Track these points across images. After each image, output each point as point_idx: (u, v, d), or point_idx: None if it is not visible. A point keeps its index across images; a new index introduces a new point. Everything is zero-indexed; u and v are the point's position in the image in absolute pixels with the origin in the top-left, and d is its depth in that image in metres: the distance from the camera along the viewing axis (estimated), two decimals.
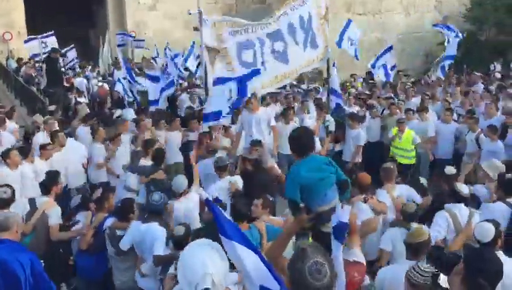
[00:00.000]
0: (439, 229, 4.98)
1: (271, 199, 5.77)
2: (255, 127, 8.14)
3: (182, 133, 9.60)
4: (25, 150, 7.64)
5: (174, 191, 6.05)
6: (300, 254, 2.58)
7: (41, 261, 4.41)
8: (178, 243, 4.84)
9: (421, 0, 23.82)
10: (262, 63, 8.34)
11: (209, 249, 3.16)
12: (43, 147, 7.88)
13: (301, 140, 4.01)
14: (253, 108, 8.27)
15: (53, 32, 19.45)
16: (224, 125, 9.28)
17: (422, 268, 3.39)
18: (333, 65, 9.45)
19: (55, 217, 5.86)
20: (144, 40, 21.89)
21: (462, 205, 5.19)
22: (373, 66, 14.36)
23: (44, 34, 19.26)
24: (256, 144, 7.35)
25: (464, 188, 5.31)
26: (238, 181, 6.47)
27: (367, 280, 4.46)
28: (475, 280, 2.76)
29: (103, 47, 20.44)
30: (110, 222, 5.63)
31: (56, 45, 19.11)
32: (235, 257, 2.97)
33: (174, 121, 9.80)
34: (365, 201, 5.50)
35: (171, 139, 9.52)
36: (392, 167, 6.38)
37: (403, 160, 9.06)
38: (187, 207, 6.01)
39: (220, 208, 3.19)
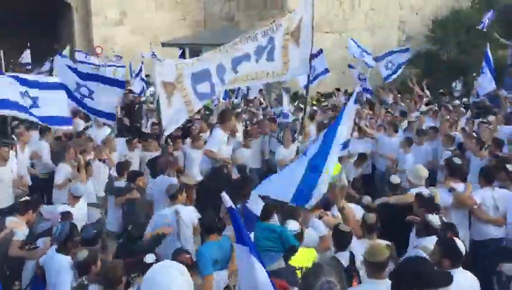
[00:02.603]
0: None
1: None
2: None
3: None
4: None
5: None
6: (316, 269, 2.55)
7: None
8: (82, 268, 4.59)
9: (385, 21, 24.42)
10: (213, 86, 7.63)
11: (175, 272, 3.11)
12: None
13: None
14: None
15: (29, 45, 19.46)
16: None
17: None
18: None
19: (20, 235, 6.03)
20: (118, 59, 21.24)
21: (434, 237, 4.69)
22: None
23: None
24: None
25: (435, 219, 4.92)
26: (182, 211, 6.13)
27: None
28: None
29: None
30: None
31: (29, 59, 18.98)
32: (249, 267, 2.97)
33: (151, 141, 9.61)
34: (320, 217, 5.48)
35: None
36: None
37: None
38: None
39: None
